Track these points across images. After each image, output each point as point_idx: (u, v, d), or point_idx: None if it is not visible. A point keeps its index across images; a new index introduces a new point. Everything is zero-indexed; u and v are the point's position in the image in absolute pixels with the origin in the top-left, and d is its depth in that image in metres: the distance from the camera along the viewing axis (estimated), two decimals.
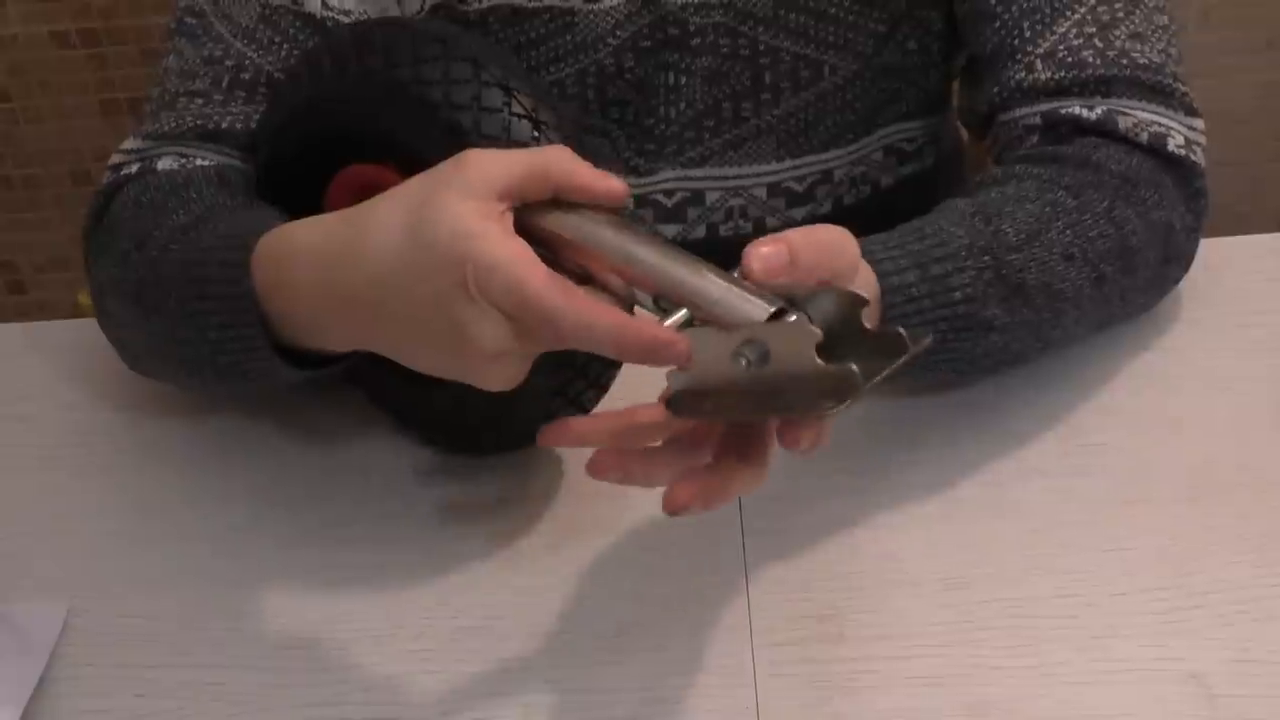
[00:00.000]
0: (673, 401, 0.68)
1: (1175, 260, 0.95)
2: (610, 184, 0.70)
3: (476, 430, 0.90)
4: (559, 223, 0.70)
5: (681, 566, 0.85)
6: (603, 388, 0.88)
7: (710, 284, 0.66)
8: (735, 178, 1.08)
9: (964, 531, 0.86)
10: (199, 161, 0.94)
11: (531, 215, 0.70)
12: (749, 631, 0.81)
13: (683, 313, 0.67)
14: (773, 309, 0.65)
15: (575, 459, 0.92)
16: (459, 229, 0.67)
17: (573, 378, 0.86)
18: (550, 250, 0.70)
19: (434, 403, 0.89)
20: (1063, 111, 0.94)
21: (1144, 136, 0.92)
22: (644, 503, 0.89)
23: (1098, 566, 0.83)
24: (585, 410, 0.88)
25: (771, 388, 0.65)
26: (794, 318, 0.65)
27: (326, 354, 0.81)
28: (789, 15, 1.01)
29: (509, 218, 0.69)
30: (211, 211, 0.88)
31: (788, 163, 1.09)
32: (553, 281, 0.66)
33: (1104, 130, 0.93)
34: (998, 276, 0.85)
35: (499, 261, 0.66)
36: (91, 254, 0.95)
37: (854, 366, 0.63)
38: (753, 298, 0.66)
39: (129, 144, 0.97)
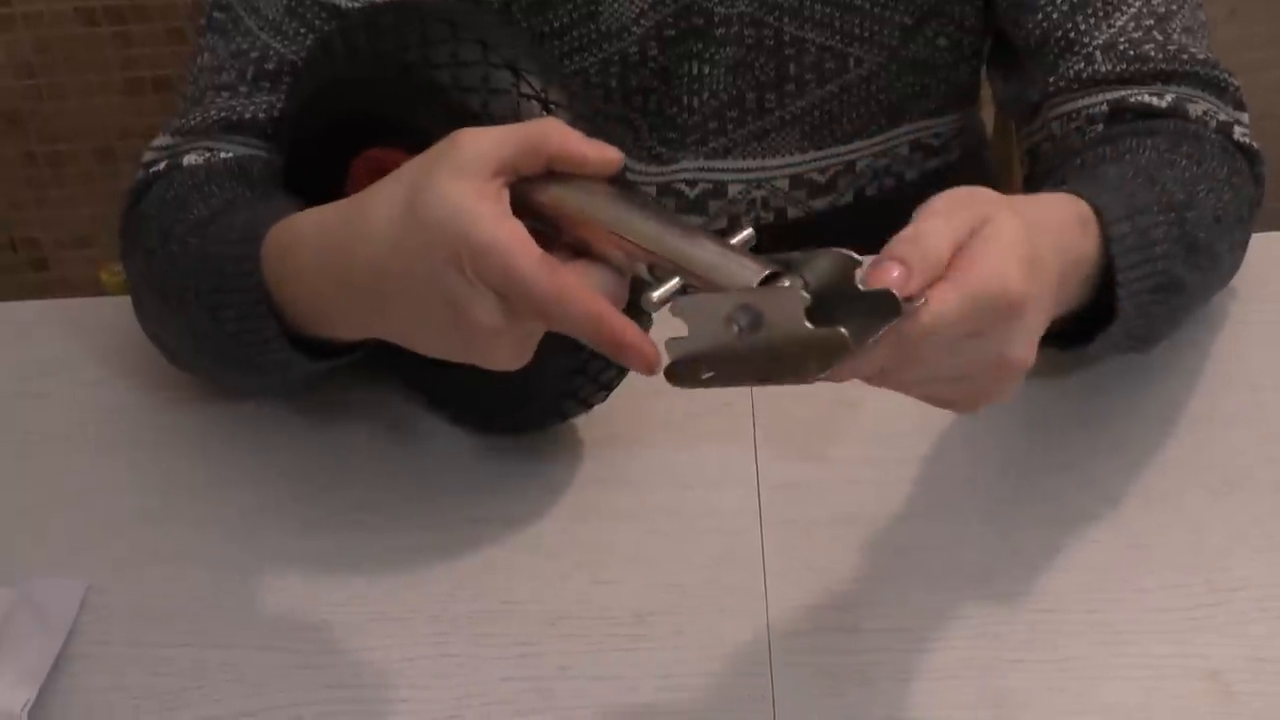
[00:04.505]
0: (672, 371, 0.68)
1: (1246, 245, 0.95)
2: (604, 152, 0.69)
3: (500, 407, 0.90)
4: (554, 195, 0.70)
5: (699, 555, 0.85)
6: (624, 367, 0.87)
7: (704, 250, 0.66)
8: (758, 170, 1.08)
9: (984, 525, 0.85)
10: (222, 155, 0.95)
11: (528, 189, 0.70)
12: (766, 621, 0.81)
13: (674, 281, 0.66)
14: (766, 272, 0.64)
15: (595, 444, 0.92)
16: (453, 209, 0.67)
17: (593, 355, 0.86)
18: (548, 223, 0.70)
19: (461, 381, 0.89)
20: (1132, 99, 0.94)
21: (1213, 124, 0.93)
22: (663, 490, 0.89)
23: (1120, 562, 0.83)
24: (608, 389, 0.88)
25: (765, 354, 0.65)
26: (787, 282, 0.64)
27: (343, 343, 0.81)
28: (814, 6, 1.01)
29: (504, 195, 0.69)
30: (231, 205, 0.88)
31: (811, 154, 1.08)
32: (543, 265, 0.66)
33: (1175, 117, 0.93)
34: (1182, 233, 0.84)
35: (492, 243, 0.66)
36: (125, 252, 0.96)
37: (842, 330, 0.62)
38: (747, 262, 0.65)
39: (159, 141, 0.98)
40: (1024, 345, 0.68)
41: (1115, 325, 0.82)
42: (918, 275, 0.64)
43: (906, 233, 0.66)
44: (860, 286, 0.64)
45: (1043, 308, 0.69)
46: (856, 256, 0.65)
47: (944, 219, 0.67)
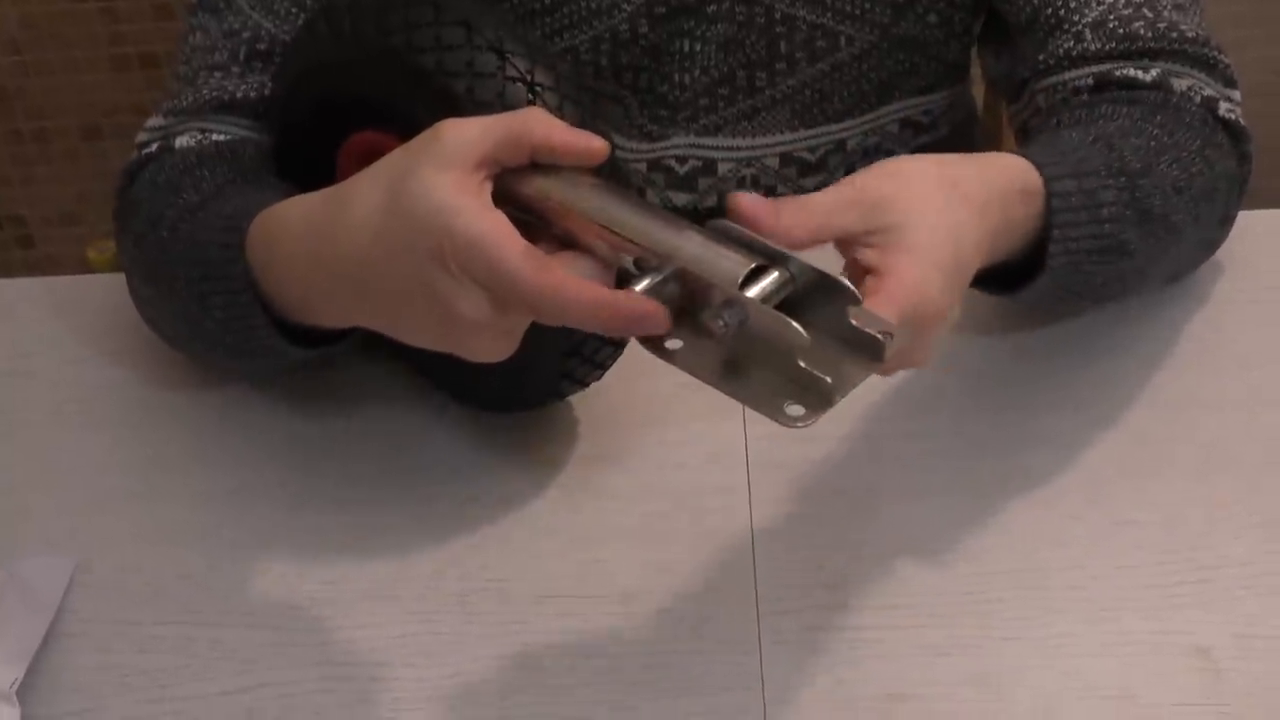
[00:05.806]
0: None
1: (1228, 221, 0.96)
2: (589, 142, 0.69)
3: (497, 389, 0.90)
4: (539, 187, 0.69)
5: (689, 533, 0.85)
6: (619, 345, 0.87)
7: (689, 242, 0.66)
8: (748, 148, 1.08)
9: (972, 502, 0.85)
10: (215, 137, 0.95)
11: (513, 180, 0.69)
12: (755, 599, 0.81)
13: (657, 275, 0.66)
14: (751, 265, 0.64)
15: (586, 423, 0.92)
16: (437, 204, 0.66)
17: (588, 336, 0.85)
18: (534, 215, 0.69)
19: (459, 362, 0.89)
20: (1117, 73, 0.94)
21: (1198, 99, 0.93)
22: (653, 469, 0.89)
23: (1106, 539, 0.83)
24: (603, 367, 0.88)
25: (740, 363, 0.65)
26: (773, 275, 0.64)
27: (331, 331, 0.81)
28: None
29: (487, 187, 0.68)
30: (221, 190, 0.88)
31: (801, 132, 1.08)
32: (529, 257, 0.65)
33: (1160, 90, 0.93)
34: (1133, 199, 0.85)
35: (476, 237, 0.66)
36: (118, 236, 0.95)
37: (829, 379, 0.63)
38: (732, 255, 0.65)
39: (152, 121, 0.98)
40: (936, 344, 0.72)
41: (1043, 278, 0.83)
42: (771, 222, 0.68)
43: (802, 198, 0.70)
44: (853, 322, 0.64)
45: (958, 296, 0.72)
46: (858, 295, 0.65)
47: (844, 211, 0.71)
